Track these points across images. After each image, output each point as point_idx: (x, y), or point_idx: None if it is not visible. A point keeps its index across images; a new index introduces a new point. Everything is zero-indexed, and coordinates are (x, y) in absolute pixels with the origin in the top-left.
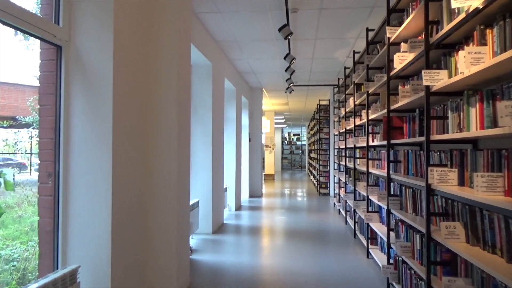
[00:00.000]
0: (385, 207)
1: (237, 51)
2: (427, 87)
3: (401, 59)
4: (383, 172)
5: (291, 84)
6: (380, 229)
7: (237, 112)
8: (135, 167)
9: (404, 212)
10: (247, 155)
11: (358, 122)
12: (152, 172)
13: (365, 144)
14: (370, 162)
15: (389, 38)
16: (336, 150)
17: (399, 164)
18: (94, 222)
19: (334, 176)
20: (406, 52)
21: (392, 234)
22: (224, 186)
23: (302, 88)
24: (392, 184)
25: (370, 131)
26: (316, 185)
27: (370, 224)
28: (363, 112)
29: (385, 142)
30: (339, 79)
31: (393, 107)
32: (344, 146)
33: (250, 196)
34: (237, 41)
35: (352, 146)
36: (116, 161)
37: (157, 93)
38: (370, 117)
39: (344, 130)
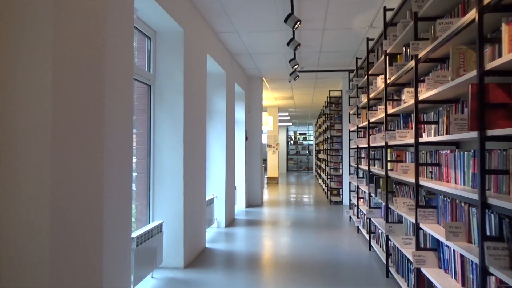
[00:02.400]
0: (473, 258)
1: (224, 19)
2: None
3: None
4: (448, 188)
5: (296, 67)
6: (445, 283)
7: (229, 104)
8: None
9: None
10: (244, 157)
11: (392, 109)
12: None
13: (409, 141)
14: (413, 168)
15: None
16: (352, 151)
17: (491, 175)
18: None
19: (350, 183)
20: None
21: None
22: (211, 197)
23: (310, 77)
24: (490, 214)
25: (417, 119)
26: (325, 191)
27: (423, 270)
28: (405, 93)
29: (469, 135)
30: (357, 59)
31: (491, 66)
32: (365, 145)
33: (248, 205)
34: (222, 4)
35: (382, 144)
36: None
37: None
38: (423, 97)
39: (366, 123)
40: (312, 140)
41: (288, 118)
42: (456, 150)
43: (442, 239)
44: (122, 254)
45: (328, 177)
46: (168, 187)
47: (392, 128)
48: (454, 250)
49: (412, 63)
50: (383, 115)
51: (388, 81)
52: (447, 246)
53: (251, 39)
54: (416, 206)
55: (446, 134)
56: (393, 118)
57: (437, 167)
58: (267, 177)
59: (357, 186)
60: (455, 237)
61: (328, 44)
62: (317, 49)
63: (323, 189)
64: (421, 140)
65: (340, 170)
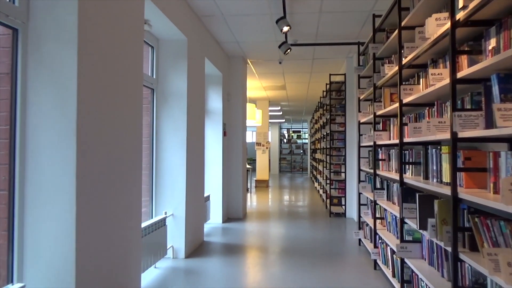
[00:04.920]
0: None
1: None
2: None
3: None
4: None
5: (287, 29)
6: None
7: (194, 85)
8: None
9: None
10: (221, 157)
11: (442, 81)
12: None
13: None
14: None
15: None
16: (363, 150)
17: None
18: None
19: (360, 193)
20: None
21: None
22: (163, 215)
23: (305, 58)
24: None
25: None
26: (323, 198)
27: None
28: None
29: None
30: (374, 16)
31: None
32: (389, 141)
33: (227, 218)
34: None
35: (432, 138)
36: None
37: None
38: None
39: (393, 107)
40: (307, 139)
41: (281, 113)
42: None
43: None
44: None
45: (327, 182)
46: (171, 184)
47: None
48: None
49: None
50: (441, 84)
51: (462, 16)
52: None
53: None
54: None
55: None
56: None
57: None
58: (255, 180)
59: (374, 202)
60: None
61: (330, 3)
62: (317, 7)
63: (320, 195)
64: None
65: (343, 174)
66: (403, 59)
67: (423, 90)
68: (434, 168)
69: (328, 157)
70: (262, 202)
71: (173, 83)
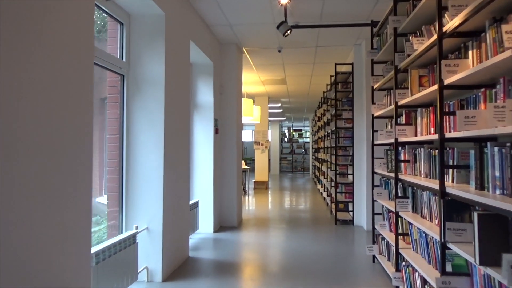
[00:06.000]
0: None
1: None
2: None
3: None
4: None
5: (286, 3)
6: None
7: (172, 71)
8: None
9: None
10: (211, 158)
11: None
12: None
13: None
14: None
15: None
16: (378, 149)
17: None
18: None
19: (374, 201)
20: None
21: None
22: (133, 231)
23: (308, 45)
24: None
25: None
26: (328, 202)
27: None
28: None
29: None
30: None
31: None
32: (412, 137)
33: (220, 227)
34: None
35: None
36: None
37: None
38: None
39: (415, 97)
40: (308, 138)
41: (281, 111)
42: None
43: None
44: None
45: (332, 184)
46: (145, 191)
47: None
48: None
49: None
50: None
51: None
52: None
53: None
54: None
55: None
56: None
57: None
58: (254, 181)
59: (396, 213)
60: None
61: None
62: None
63: (324, 198)
64: None
65: (351, 176)
66: (443, 27)
67: (474, 65)
68: (497, 174)
69: (333, 157)
70: (260, 206)
71: (148, 68)
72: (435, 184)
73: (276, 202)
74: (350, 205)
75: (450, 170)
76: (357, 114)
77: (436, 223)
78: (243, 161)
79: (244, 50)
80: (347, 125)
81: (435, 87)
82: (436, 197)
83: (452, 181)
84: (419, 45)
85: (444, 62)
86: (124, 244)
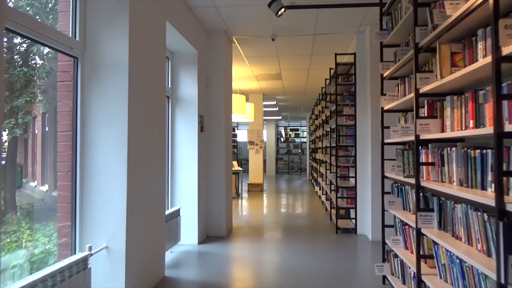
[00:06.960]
0: None
1: None
2: None
3: None
4: None
5: None
6: None
7: (140, 54)
8: None
9: None
10: (196, 160)
11: None
12: None
13: None
14: None
15: None
16: (389, 149)
17: None
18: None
19: (385, 210)
20: None
21: None
22: (84, 253)
23: (305, 33)
24: None
25: None
26: (327, 207)
27: None
28: None
29: None
30: None
31: None
32: (438, 134)
33: (206, 237)
34: None
35: None
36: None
37: None
38: None
39: (444, 81)
40: (305, 137)
41: (277, 109)
42: None
43: None
44: None
45: (332, 188)
46: (104, 200)
47: None
48: None
49: None
50: None
51: None
52: None
53: None
54: None
55: None
56: None
57: None
58: (248, 184)
59: (418, 230)
60: None
61: None
62: None
63: (323, 202)
64: None
65: (353, 179)
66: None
67: None
68: None
69: (332, 158)
70: (253, 211)
71: (108, 48)
72: (482, 198)
73: (271, 206)
74: (352, 211)
75: (504, 178)
76: (360, 109)
77: (478, 248)
78: (235, 162)
79: (234, 39)
80: (349, 122)
81: (488, 59)
82: (478, 213)
83: (507, 193)
84: (453, 10)
85: (503, 23)
86: (68, 272)
